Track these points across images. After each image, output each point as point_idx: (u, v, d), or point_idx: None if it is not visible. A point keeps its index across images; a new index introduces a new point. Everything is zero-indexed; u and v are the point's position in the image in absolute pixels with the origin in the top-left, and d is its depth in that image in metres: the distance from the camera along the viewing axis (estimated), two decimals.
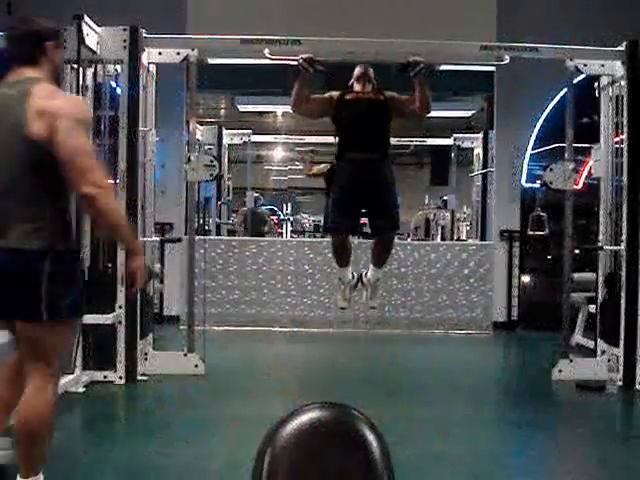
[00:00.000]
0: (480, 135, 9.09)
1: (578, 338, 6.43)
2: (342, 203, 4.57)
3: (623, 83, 5.18)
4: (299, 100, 4.51)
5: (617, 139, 5.31)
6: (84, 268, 2.84)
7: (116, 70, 5.07)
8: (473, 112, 10.63)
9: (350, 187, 4.53)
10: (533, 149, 7.78)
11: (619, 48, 5.17)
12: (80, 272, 2.77)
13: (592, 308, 5.90)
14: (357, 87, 4.60)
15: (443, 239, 9.69)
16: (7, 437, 2.68)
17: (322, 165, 7.80)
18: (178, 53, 5.16)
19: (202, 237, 6.87)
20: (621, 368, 5.05)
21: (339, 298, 4.91)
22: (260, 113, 11.95)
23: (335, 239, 4.68)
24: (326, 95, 4.65)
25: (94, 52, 4.88)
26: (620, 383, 5.02)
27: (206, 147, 8.40)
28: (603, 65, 5.27)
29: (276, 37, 5.09)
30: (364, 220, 5.12)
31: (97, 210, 2.49)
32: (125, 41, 4.94)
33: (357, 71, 4.63)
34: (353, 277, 4.82)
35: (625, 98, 5.15)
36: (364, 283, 4.82)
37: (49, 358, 2.51)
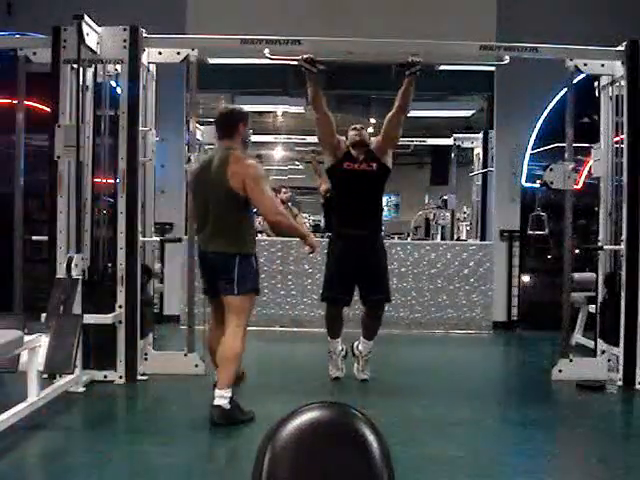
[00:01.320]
0: (480, 135, 9.08)
1: (578, 338, 6.43)
2: (337, 279, 4.89)
3: (623, 83, 5.18)
4: (317, 99, 4.74)
5: (617, 139, 5.31)
6: (256, 263, 4.09)
7: (116, 70, 5.07)
8: (473, 112, 10.61)
9: (345, 264, 4.85)
10: (533, 149, 7.78)
11: (619, 48, 5.17)
12: (256, 264, 4.08)
13: (592, 308, 5.90)
14: (354, 153, 4.87)
15: (443, 239, 9.67)
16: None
17: (323, 186, 7.95)
18: (178, 53, 5.17)
19: None
20: (621, 368, 5.05)
21: (331, 369, 5.12)
22: (260, 113, 11.94)
23: (330, 311, 5.01)
24: (336, 138, 4.90)
25: (94, 52, 4.88)
26: (620, 383, 5.03)
27: (206, 147, 8.39)
28: (603, 65, 5.27)
29: (276, 37, 5.09)
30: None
31: (280, 227, 4.11)
32: (125, 41, 4.94)
33: (352, 137, 4.88)
34: (342, 349, 5.11)
35: (625, 98, 5.15)
36: (355, 355, 5.09)
37: (240, 315, 3.98)
